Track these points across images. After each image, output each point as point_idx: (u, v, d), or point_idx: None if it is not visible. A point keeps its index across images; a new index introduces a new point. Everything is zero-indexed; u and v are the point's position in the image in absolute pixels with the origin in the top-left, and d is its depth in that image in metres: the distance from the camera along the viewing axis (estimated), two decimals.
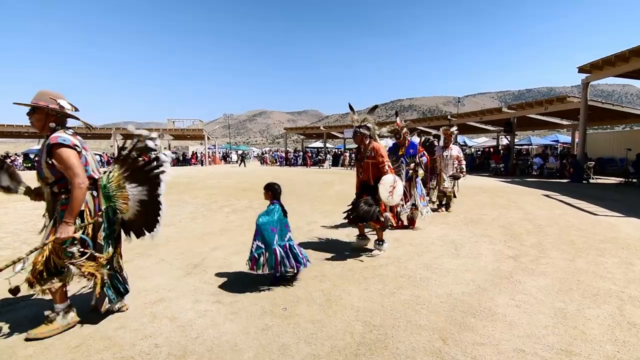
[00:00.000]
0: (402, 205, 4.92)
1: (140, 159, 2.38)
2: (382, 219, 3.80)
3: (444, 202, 6.65)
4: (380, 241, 3.91)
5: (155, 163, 2.37)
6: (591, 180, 12.51)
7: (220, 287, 3.03)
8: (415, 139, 5.54)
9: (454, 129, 6.95)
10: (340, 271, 3.41)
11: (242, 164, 29.14)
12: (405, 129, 5.19)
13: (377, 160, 3.77)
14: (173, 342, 2.17)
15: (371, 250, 4.01)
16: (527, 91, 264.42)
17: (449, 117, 19.75)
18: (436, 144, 6.87)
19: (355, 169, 4.23)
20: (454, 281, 3.13)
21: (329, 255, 3.88)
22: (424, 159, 5.26)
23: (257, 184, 11.90)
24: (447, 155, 6.63)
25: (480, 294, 2.85)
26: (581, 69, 11.78)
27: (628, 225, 5.39)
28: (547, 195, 8.89)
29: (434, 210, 6.20)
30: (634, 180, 11.59)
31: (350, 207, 3.90)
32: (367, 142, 3.89)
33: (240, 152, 36.69)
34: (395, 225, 4.49)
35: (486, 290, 2.94)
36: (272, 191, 3.11)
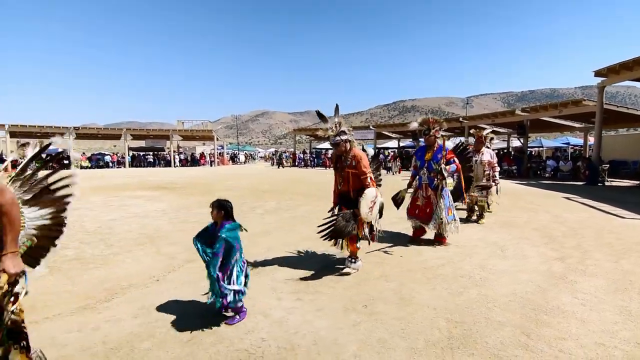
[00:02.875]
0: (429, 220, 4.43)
1: (39, 174, 1.86)
2: (361, 236, 3.50)
3: (476, 213, 6.04)
4: (353, 258, 3.52)
5: (59, 178, 1.85)
6: (606, 183, 12.65)
7: (295, 285, 3.22)
8: (448, 144, 4.73)
9: (487, 130, 6.40)
10: (401, 271, 3.59)
11: (280, 165, 28.40)
12: (437, 127, 4.48)
13: (359, 170, 3.39)
14: (277, 337, 2.35)
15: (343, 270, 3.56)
16: (530, 92, 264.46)
17: (460, 119, 19.93)
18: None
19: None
20: (512, 281, 3.30)
21: (382, 256, 4.05)
22: (453, 167, 4.47)
23: (278, 185, 12.11)
24: (477, 161, 6.00)
25: (543, 293, 3.02)
26: (597, 73, 11.94)
27: None
28: (567, 198, 9.04)
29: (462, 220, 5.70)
30: None
31: (328, 221, 3.40)
32: (348, 148, 3.48)
33: (272, 152, 36.03)
34: (371, 240, 3.74)
35: (546, 289, 3.11)
36: (225, 209, 2.67)
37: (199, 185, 12.90)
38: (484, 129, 6.28)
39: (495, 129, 19.60)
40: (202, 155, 35.08)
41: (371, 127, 28.99)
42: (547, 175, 16.12)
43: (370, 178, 3.44)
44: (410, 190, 4.79)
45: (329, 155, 30.50)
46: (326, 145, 36.64)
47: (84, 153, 32.18)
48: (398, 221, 5.51)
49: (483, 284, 3.23)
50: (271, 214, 6.95)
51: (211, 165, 32.17)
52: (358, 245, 3.55)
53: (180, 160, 32.00)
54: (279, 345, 2.25)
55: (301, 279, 3.37)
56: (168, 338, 2.35)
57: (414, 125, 4.58)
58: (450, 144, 5.13)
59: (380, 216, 3.65)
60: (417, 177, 4.65)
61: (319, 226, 3.43)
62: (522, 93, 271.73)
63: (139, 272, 3.60)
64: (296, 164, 31.35)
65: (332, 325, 2.50)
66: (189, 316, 2.64)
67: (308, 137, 36.69)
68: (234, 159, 38.12)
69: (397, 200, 4.74)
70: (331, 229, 3.34)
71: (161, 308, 2.78)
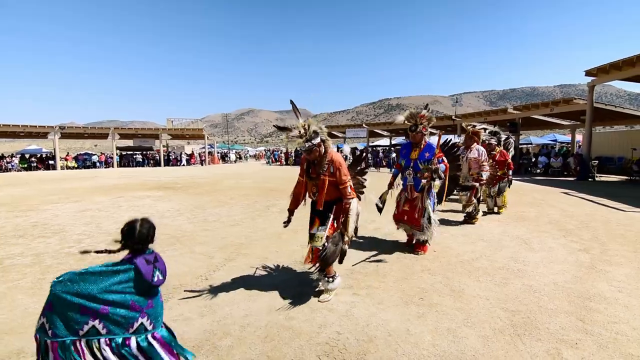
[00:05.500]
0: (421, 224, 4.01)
1: None
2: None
3: (469, 212, 5.68)
4: (331, 277, 2.97)
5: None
6: (596, 178, 13.22)
7: (344, 280, 3.30)
8: (434, 140, 4.15)
9: (481, 126, 5.80)
10: (440, 265, 3.73)
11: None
12: (425, 122, 3.98)
13: (338, 178, 2.86)
14: (351, 330, 2.45)
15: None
16: (512, 90, 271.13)
17: (453, 117, 20.37)
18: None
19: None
20: (548, 272, 3.49)
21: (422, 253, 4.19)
22: (442, 167, 3.94)
23: (279, 183, 12.10)
24: (464, 158, 5.59)
25: (581, 283, 3.22)
26: (588, 73, 12.46)
27: None
28: (566, 193, 9.44)
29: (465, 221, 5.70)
30: (637, 178, 12.34)
31: (319, 246, 2.88)
32: (323, 152, 2.89)
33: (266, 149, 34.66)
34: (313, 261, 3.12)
35: (583, 279, 3.31)
36: (131, 238, 1.60)
37: (202, 184, 12.79)
38: (474, 125, 5.86)
39: (487, 127, 20.13)
40: (192, 154, 34.59)
41: (364, 126, 29.22)
42: (538, 171, 16.69)
43: (351, 187, 2.92)
44: (392, 191, 4.26)
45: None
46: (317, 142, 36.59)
47: (68, 153, 31.25)
48: (381, 226, 5.40)
49: (523, 275, 3.40)
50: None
51: (202, 165, 31.76)
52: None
53: (170, 160, 31.48)
54: (356, 337, 2.34)
55: (345, 274, 3.46)
56: (245, 335, 2.41)
57: (400, 119, 4.10)
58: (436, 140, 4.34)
59: (355, 232, 3.19)
60: (402, 177, 4.19)
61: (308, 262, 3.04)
62: (503, 91, 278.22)
63: (185, 272, 3.62)
64: (288, 162, 31.32)
65: (398, 317, 2.61)
66: (254, 313, 2.70)
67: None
68: (224, 158, 37.72)
69: (378, 205, 4.19)
70: (322, 257, 2.82)
71: (223, 306, 2.83)
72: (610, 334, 2.36)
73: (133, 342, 1.52)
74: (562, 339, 2.30)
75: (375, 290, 3.10)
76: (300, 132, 2.82)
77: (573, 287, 3.11)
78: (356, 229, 3.13)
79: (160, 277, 1.64)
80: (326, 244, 2.83)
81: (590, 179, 12.99)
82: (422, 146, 4.03)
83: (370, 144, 32.11)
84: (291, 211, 3.16)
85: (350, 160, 3.67)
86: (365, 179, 3.73)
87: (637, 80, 12.09)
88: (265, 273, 3.58)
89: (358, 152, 3.88)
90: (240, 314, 2.68)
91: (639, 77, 11.33)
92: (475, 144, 5.65)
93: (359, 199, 3.40)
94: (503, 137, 6.81)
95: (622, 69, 11.24)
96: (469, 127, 5.74)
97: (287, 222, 3.12)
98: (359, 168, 3.73)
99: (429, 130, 4.11)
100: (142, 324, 1.56)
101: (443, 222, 5.45)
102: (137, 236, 1.61)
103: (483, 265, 3.69)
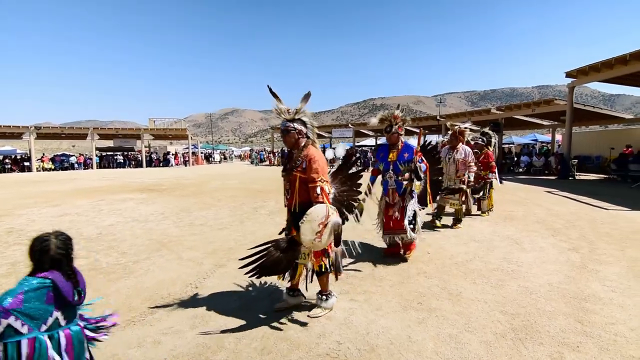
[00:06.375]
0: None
1: None
2: (320, 269, 2.67)
3: (445, 217, 5.49)
4: (325, 294, 2.70)
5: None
6: (576, 177, 13.62)
7: (341, 285, 3.21)
8: (413, 142, 4.04)
9: (466, 124, 5.58)
10: (435, 267, 3.70)
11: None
12: (400, 123, 3.80)
13: (309, 176, 2.48)
14: (351, 339, 2.36)
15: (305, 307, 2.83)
16: (492, 91, 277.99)
17: (438, 117, 20.64)
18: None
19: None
20: (542, 272, 3.51)
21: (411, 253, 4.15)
22: (423, 166, 3.76)
23: (265, 184, 11.92)
24: (450, 159, 5.38)
25: (575, 283, 3.24)
26: (568, 74, 12.82)
27: None
28: (549, 192, 9.66)
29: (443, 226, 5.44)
30: (615, 176, 12.78)
31: (258, 250, 2.53)
32: (302, 144, 2.62)
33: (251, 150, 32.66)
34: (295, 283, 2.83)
35: (576, 279, 3.34)
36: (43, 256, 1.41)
37: (187, 186, 12.47)
38: (457, 125, 5.62)
39: (473, 127, 20.49)
40: (176, 155, 33.84)
41: (350, 126, 29.28)
42: (520, 170, 17.09)
43: (322, 189, 2.47)
44: (369, 198, 3.89)
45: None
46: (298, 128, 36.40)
47: (44, 154, 30.02)
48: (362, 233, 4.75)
49: (518, 276, 3.40)
50: (276, 214, 6.86)
51: (186, 165, 31.11)
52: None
53: (153, 161, 30.69)
54: (358, 347, 2.26)
55: (341, 278, 3.38)
56: (241, 348, 2.29)
57: (374, 120, 3.90)
58: (414, 141, 4.10)
59: (337, 244, 2.58)
60: (382, 181, 3.92)
61: (241, 259, 2.52)
62: (484, 92, 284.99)
63: (173, 280, 3.46)
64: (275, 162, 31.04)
65: (399, 323, 2.55)
66: (248, 323, 2.58)
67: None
68: (208, 158, 37.07)
69: (358, 214, 3.72)
70: (259, 262, 2.48)
71: (216, 317, 2.70)
72: (609, 335, 2.36)
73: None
74: (564, 342, 2.29)
75: (372, 295, 3.03)
76: (289, 110, 2.63)
77: (568, 288, 3.12)
78: (338, 238, 2.51)
79: (81, 296, 1.50)
80: (270, 247, 2.52)
81: (570, 178, 13.36)
82: (399, 147, 3.83)
83: (357, 144, 32.24)
84: (289, 219, 2.79)
85: (333, 163, 3.28)
86: (360, 184, 3.08)
87: (614, 82, 12.53)
88: (257, 280, 3.45)
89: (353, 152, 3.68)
90: (235, 325, 2.55)
91: (617, 78, 11.74)
92: (461, 143, 5.45)
93: (349, 212, 3.00)
94: (494, 139, 6.77)
95: (600, 71, 11.61)
96: (455, 127, 5.53)
97: (283, 230, 2.84)
98: (350, 172, 3.03)
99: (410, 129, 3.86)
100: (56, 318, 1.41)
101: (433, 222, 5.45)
102: (51, 255, 1.41)
103: (477, 267, 3.68)
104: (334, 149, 3.22)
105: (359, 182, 3.06)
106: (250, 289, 3.24)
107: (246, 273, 2.55)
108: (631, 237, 4.80)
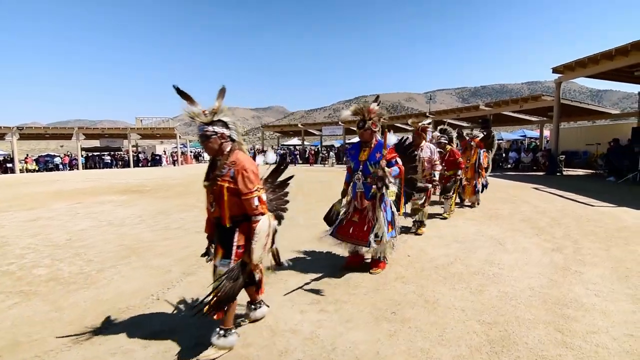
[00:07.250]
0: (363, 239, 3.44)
1: None
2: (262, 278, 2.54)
3: (415, 219, 5.11)
4: (224, 330, 2.24)
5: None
6: (563, 173, 13.64)
7: (312, 295, 3.04)
8: (391, 139, 3.56)
9: (427, 121, 5.21)
10: (415, 271, 3.54)
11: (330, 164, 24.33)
12: (375, 118, 3.40)
13: (242, 187, 2.15)
14: (314, 356, 2.18)
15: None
16: (482, 88, 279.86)
17: (427, 114, 20.53)
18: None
19: None
20: (524, 275, 3.37)
21: (392, 256, 3.98)
22: (396, 169, 3.36)
23: None
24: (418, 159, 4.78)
25: (557, 287, 3.10)
26: (555, 70, 12.80)
27: (627, 214, 6.01)
28: (536, 189, 9.61)
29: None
30: (602, 172, 12.82)
31: (212, 287, 2.20)
32: (227, 149, 2.25)
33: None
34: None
35: (558, 282, 3.20)
36: None
37: (174, 186, 12.19)
38: (422, 119, 5.24)
39: (459, 123, 20.47)
40: (164, 154, 33.34)
41: (340, 123, 29.09)
42: (509, 166, 17.10)
43: (260, 199, 2.18)
44: (346, 201, 3.67)
45: (312, 152, 29.07)
46: (295, 141, 36.30)
47: (27, 155, 29.29)
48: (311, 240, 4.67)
49: (499, 281, 3.26)
50: None
51: (174, 165, 30.66)
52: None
53: (140, 161, 30.17)
54: None
55: (314, 287, 3.20)
56: None
57: (346, 114, 3.48)
58: (393, 139, 3.69)
59: (272, 243, 2.39)
60: (351, 183, 3.57)
61: (195, 306, 2.29)
62: (475, 88, 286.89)
63: (134, 291, 3.24)
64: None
65: (368, 337, 2.38)
66: (206, 341, 2.36)
67: (276, 133, 36.18)
68: (198, 157, 36.62)
69: (332, 218, 3.69)
70: (215, 298, 2.11)
71: (172, 333, 2.49)
72: (590, 346, 2.21)
73: None
74: (542, 354, 2.13)
75: (344, 305, 2.85)
76: (204, 111, 2.18)
77: (549, 293, 2.98)
78: (276, 254, 2.46)
79: None
80: (222, 281, 2.11)
81: (558, 174, 13.38)
82: (372, 145, 3.41)
83: (347, 141, 32.07)
84: (210, 237, 2.44)
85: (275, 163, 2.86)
86: (287, 192, 2.85)
87: (600, 77, 12.54)
88: None
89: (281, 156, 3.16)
90: (191, 343, 2.35)
91: (603, 74, 11.74)
92: (424, 141, 5.07)
93: (278, 218, 2.67)
94: (454, 134, 6.43)
95: (587, 66, 11.59)
96: (418, 124, 5.06)
97: (206, 252, 2.45)
98: (279, 179, 2.80)
99: (385, 127, 3.46)
100: None
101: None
102: None
103: (458, 271, 3.53)
104: (264, 152, 2.85)
105: (286, 190, 2.85)
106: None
107: (203, 314, 2.12)
108: (616, 235, 4.70)
